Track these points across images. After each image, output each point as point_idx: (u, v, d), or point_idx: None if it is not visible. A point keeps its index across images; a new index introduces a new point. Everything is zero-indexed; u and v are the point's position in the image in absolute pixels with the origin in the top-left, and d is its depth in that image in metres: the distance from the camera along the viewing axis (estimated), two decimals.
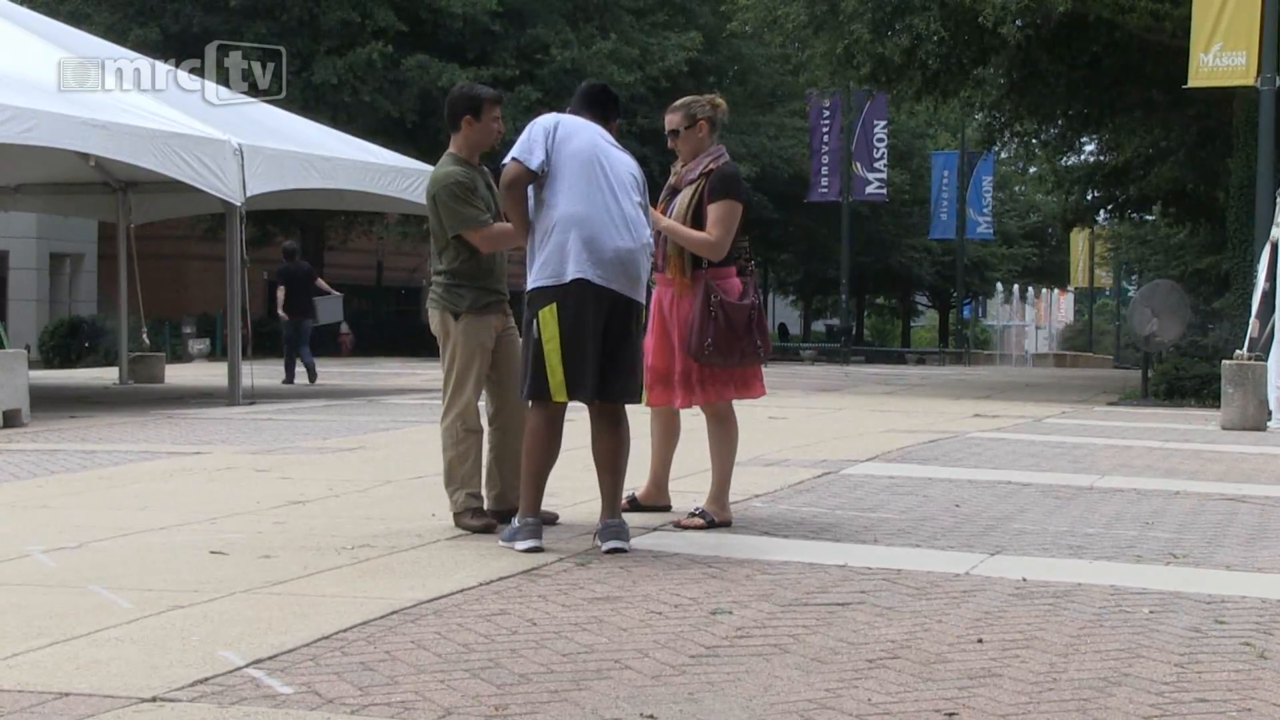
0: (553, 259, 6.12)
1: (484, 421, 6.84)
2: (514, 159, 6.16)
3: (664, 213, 6.82)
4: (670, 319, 6.82)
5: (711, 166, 6.80)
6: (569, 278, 6.07)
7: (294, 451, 10.40)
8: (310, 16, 33.52)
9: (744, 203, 6.80)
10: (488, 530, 6.57)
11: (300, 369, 20.26)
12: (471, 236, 6.66)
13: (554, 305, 6.08)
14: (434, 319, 6.84)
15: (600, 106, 6.48)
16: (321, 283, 21.46)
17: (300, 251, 22.12)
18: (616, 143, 6.41)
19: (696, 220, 6.73)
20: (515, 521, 6.30)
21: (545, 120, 6.28)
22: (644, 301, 6.38)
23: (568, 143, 6.18)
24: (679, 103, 7.01)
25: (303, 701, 3.92)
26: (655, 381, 6.90)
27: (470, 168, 6.80)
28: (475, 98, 6.86)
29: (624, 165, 6.30)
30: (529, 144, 6.16)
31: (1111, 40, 22.00)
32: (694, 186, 6.79)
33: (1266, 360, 14.53)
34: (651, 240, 6.36)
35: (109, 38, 21.68)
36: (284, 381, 19.92)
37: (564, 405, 6.22)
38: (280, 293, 20.84)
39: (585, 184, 6.13)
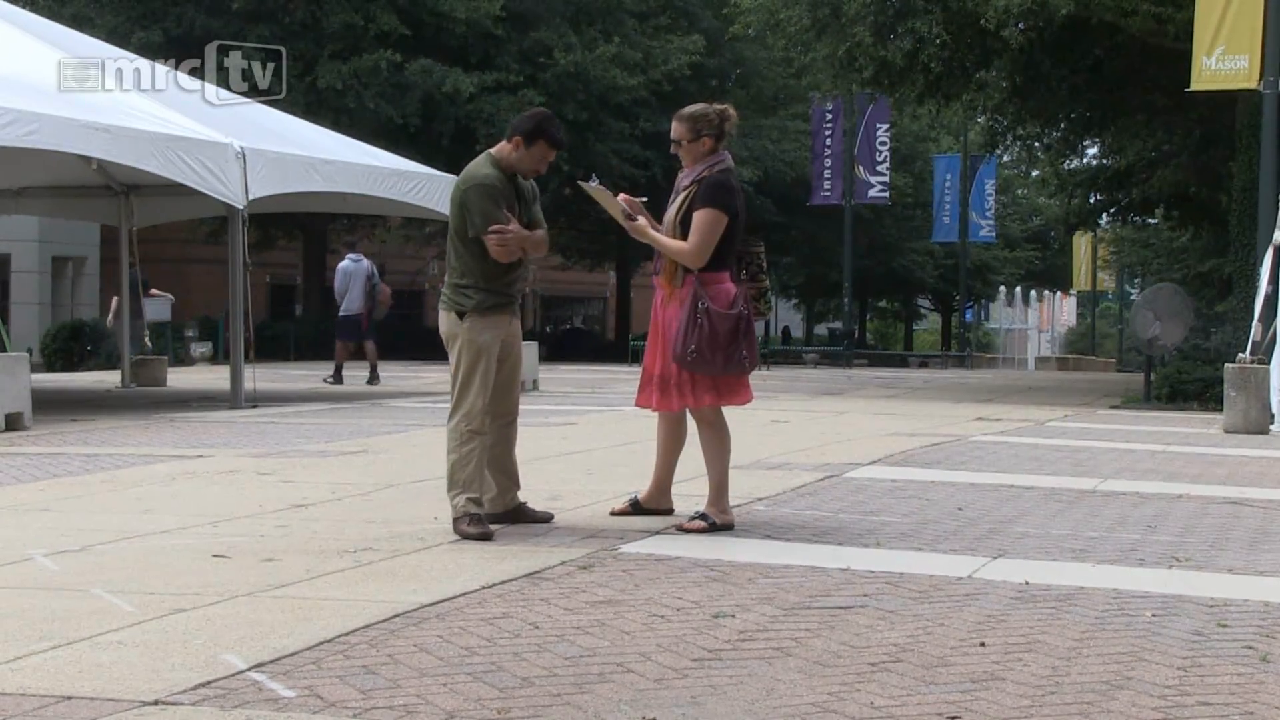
0: None
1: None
2: None
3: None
4: (660, 321, 6.84)
5: (704, 174, 6.79)
6: None
7: (296, 455, 10.40)
8: (313, 20, 33.52)
9: (729, 212, 6.73)
10: (484, 539, 6.46)
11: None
12: (488, 239, 6.60)
13: None
14: (442, 320, 6.80)
15: None
16: (154, 290, 24.21)
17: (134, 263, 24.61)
18: None
19: (685, 226, 6.74)
20: None
21: None
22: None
23: None
24: (686, 113, 6.88)
25: (305, 705, 3.92)
26: (645, 383, 6.92)
27: (505, 175, 6.76)
28: (537, 131, 6.71)
29: None
30: None
31: (1114, 43, 21.99)
32: (686, 193, 6.81)
33: (1269, 364, 14.52)
34: None
35: (111, 41, 21.70)
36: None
37: None
38: (114, 302, 23.05)
39: None
